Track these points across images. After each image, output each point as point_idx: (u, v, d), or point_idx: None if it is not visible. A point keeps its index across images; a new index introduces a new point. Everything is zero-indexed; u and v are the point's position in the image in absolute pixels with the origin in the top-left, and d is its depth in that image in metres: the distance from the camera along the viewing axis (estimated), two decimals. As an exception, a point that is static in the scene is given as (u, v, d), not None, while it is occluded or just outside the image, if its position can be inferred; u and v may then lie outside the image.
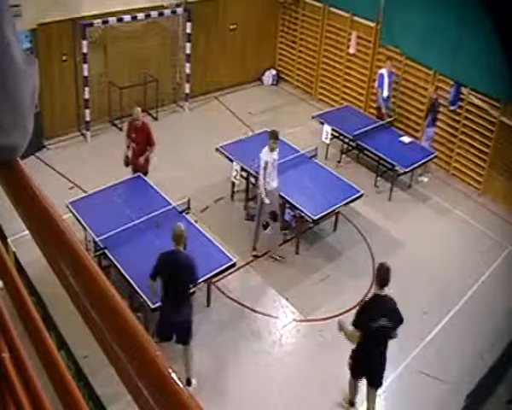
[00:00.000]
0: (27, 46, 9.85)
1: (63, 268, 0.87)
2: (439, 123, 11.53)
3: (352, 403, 6.59)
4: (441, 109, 11.37)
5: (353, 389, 6.46)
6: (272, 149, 8.14)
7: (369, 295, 6.87)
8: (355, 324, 5.84)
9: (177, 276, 6.10)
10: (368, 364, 6.03)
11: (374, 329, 5.67)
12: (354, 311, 7.93)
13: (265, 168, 8.09)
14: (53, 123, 11.08)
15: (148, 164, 9.08)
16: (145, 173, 9.04)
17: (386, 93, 11.53)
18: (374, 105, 12.24)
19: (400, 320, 5.81)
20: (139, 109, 8.83)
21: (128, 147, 8.93)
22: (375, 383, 6.13)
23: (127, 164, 9.02)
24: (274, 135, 8.22)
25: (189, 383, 6.54)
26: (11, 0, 1.00)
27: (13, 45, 0.96)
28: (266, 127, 11.01)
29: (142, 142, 8.79)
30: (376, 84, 11.67)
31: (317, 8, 13.56)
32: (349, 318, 7.80)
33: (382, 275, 5.77)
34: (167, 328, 6.34)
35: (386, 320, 5.68)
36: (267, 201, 8.20)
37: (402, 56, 11.90)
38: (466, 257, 9.22)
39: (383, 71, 11.49)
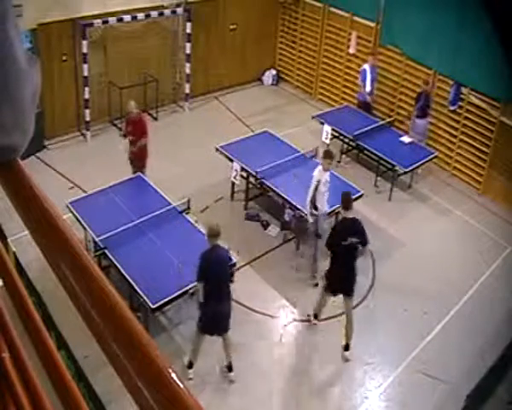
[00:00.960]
0: (27, 46, 9.86)
1: (63, 268, 0.87)
2: (439, 123, 11.55)
3: (316, 316, 7.60)
4: (441, 109, 11.40)
5: (322, 303, 7.42)
6: (326, 170, 7.90)
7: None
8: (329, 243, 6.94)
9: (223, 271, 6.26)
10: (342, 277, 7.02)
11: (345, 246, 6.73)
12: (354, 310, 7.97)
13: (316, 188, 7.86)
14: (53, 123, 11.08)
15: (146, 157, 9.17)
16: (142, 166, 9.13)
17: (368, 88, 11.67)
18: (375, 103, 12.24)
19: (365, 239, 6.87)
20: (133, 103, 9.04)
21: (125, 136, 9.15)
22: (349, 292, 7.08)
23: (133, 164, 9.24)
24: (329, 155, 7.90)
25: (230, 369, 6.70)
26: (13, 0, 1.00)
27: (15, 45, 0.96)
28: (266, 127, 11.04)
29: (137, 134, 8.94)
30: (360, 80, 11.84)
31: (317, 8, 13.57)
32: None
33: (345, 201, 6.97)
34: (212, 324, 6.43)
35: (354, 238, 6.74)
36: (311, 219, 8.07)
37: (402, 56, 11.90)
38: (466, 257, 9.22)
39: (366, 66, 11.66)
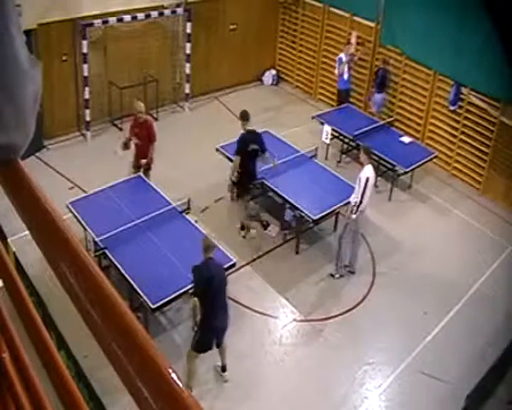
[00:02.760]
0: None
1: (63, 268, 0.87)
2: (438, 123, 11.60)
3: (243, 227, 9.11)
4: (438, 108, 11.45)
5: (248, 213, 9.17)
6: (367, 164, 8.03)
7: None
8: (238, 151, 8.53)
9: (221, 283, 6.18)
10: (250, 173, 8.78)
11: (249, 151, 8.55)
12: (354, 311, 7.98)
13: (365, 186, 7.87)
14: (53, 123, 11.08)
15: (152, 159, 9.05)
16: (148, 169, 9.03)
17: (346, 76, 12.07)
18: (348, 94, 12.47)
19: (264, 147, 8.75)
20: (141, 104, 8.82)
21: (129, 139, 8.91)
22: (254, 180, 8.91)
23: (125, 147, 8.96)
24: (367, 152, 8.13)
25: (224, 369, 6.74)
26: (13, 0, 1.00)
27: (17, 46, 0.97)
28: (266, 127, 11.03)
29: (143, 137, 8.80)
30: (336, 68, 12.22)
31: (317, 8, 13.57)
32: (348, 318, 7.84)
33: (243, 116, 8.79)
34: (212, 339, 6.33)
35: (254, 145, 8.60)
36: (354, 216, 8.04)
37: (402, 56, 11.90)
38: (466, 257, 9.22)
39: (342, 55, 12.06)
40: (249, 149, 8.57)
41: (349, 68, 12.05)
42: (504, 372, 6.86)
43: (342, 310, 7.94)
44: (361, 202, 7.94)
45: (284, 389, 6.76)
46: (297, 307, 7.95)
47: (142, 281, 6.75)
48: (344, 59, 11.96)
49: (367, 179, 7.88)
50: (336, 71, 12.28)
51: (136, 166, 9.04)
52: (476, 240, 9.65)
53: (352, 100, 12.88)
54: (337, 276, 8.47)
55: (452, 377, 7.00)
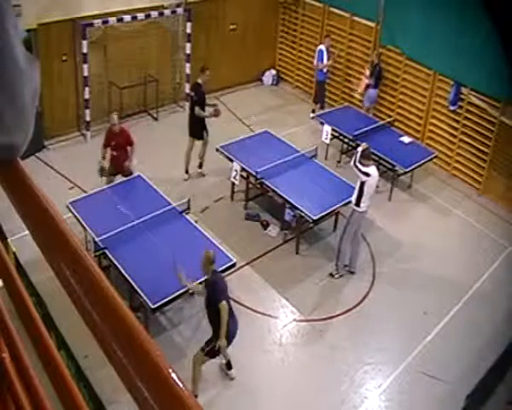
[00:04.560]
0: (27, 46, 9.86)
1: (63, 268, 0.87)
2: (438, 123, 11.59)
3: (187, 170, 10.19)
4: (438, 108, 11.47)
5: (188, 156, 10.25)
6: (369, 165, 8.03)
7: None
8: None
9: (228, 291, 6.35)
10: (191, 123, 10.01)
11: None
12: (354, 311, 7.98)
13: (363, 181, 7.88)
14: (53, 123, 11.08)
15: (131, 164, 9.04)
16: (130, 174, 9.01)
17: (325, 62, 12.39)
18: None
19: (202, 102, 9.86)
20: (115, 116, 8.90)
21: (103, 157, 8.87)
22: (197, 135, 10.09)
23: (102, 175, 8.88)
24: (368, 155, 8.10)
25: (229, 366, 6.83)
26: (12, 0, 1.00)
27: (15, 46, 0.97)
28: (266, 127, 11.04)
29: (122, 145, 8.84)
30: (315, 60, 12.54)
31: (317, 8, 13.57)
32: (349, 318, 7.84)
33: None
34: (228, 344, 6.40)
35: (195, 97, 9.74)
36: (358, 209, 8.06)
37: (402, 56, 11.90)
38: (466, 257, 9.22)
39: (322, 47, 12.42)
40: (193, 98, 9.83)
41: (328, 60, 12.39)
42: (504, 372, 6.86)
43: (342, 310, 7.94)
44: (360, 195, 7.93)
45: (284, 389, 6.76)
46: (297, 307, 7.95)
47: (142, 281, 6.76)
48: (324, 51, 12.27)
49: (367, 174, 7.86)
50: (315, 62, 12.55)
51: (113, 174, 8.98)
52: (476, 240, 9.65)
53: (345, 97, 13.17)
54: (337, 276, 8.47)
55: (452, 377, 7.00)
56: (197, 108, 9.90)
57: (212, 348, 6.23)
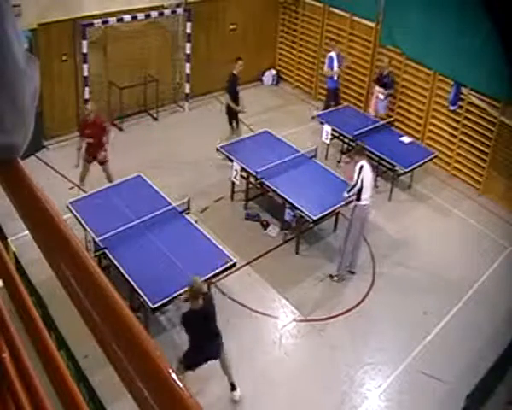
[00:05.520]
0: (27, 46, 9.85)
1: (63, 268, 0.87)
2: (438, 123, 11.63)
3: None
4: (438, 108, 11.48)
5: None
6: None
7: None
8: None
9: (214, 314, 6.15)
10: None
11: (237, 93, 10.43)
12: (354, 311, 7.98)
13: (360, 172, 7.93)
14: (53, 123, 11.07)
15: (107, 152, 9.45)
16: (106, 161, 9.42)
17: (336, 69, 12.16)
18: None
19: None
20: (89, 105, 9.49)
21: (79, 149, 9.30)
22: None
23: (88, 160, 9.42)
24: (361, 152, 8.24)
25: (234, 387, 6.55)
26: (12, 0, 1.00)
27: (14, 45, 0.97)
28: (266, 127, 11.03)
29: (96, 135, 9.18)
30: (326, 67, 12.27)
31: (317, 8, 13.56)
32: (349, 318, 7.84)
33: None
34: (202, 359, 6.24)
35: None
36: (346, 194, 8.20)
37: (402, 56, 11.90)
38: (466, 257, 9.22)
39: (332, 54, 12.16)
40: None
41: (339, 68, 12.15)
42: (504, 372, 6.85)
43: (342, 310, 7.94)
44: (360, 191, 7.95)
45: (284, 389, 6.76)
46: (297, 307, 7.95)
47: (142, 281, 6.75)
48: (335, 58, 12.07)
49: (361, 167, 7.92)
50: (325, 69, 12.34)
51: (90, 161, 9.42)
52: (476, 240, 9.65)
53: (345, 97, 13.01)
54: (336, 278, 8.42)
55: (452, 377, 7.00)
56: (226, 96, 10.59)
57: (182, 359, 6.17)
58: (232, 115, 10.72)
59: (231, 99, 10.57)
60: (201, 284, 6.16)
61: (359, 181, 7.96)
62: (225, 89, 10.74)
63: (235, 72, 10.54)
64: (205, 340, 6.17)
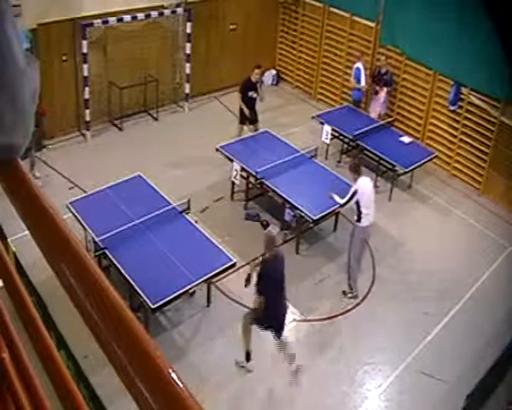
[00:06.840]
0: (27, 46, 9.86)
1: (63, 268, 0.87)
2: (438, 123, 11.63)
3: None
4: (438, 108, 11.49)
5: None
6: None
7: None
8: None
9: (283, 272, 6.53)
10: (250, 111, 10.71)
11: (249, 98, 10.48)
12: (354, 311, 7.98)
13: (352, 196, 7.71)
14: (53, 123, 11.07)
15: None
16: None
17: (363, 84, 11.97)
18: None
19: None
20: None
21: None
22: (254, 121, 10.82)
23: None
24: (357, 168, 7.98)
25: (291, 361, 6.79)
26: (12, 0, 1.00)
27: (14, 45, 0.97)
28: (266, 127, 11.03)
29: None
30: (352, 78, 12.07)
31: (317, 8, 13.57)
32: (349, 318, 7.84)
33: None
34: (276, 323, 6.60)
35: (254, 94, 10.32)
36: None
37: (402, 56, 11.90)
38: (466, 257, 9.22)
39: (359, 65, 11.93)
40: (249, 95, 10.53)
41: (365, 77, 11.87)
42: (504, 372, 6.85)
43: (342, 310, 7.94)
44: (359, 209, 7.75)
45: (284, 389, 6.76)
46: (297, 307, 7.94)
47: (142, 281, 6.75)
48: (362, 69, 11.81)
49: (355, 192, 7.68)
50: (352, 80, 12.03)
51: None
52: (476, 240, 9.65)
53: (345, 96, 13.03)
54: (350, 295, 8.18)
55: (452, 377, 7.00)
56: (239, 97, 10.79)
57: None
58: (244, 116, 10.75)
59: (242, 101, 10.63)
60: (276, 235, 6.50)
61: (352, 201, 7.72)
62: (238, 91, 10.93)
63: (252, 79, 10.64)
64: (281, 299, 6.47)
